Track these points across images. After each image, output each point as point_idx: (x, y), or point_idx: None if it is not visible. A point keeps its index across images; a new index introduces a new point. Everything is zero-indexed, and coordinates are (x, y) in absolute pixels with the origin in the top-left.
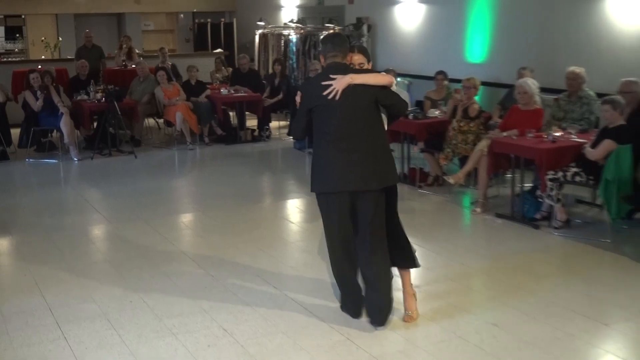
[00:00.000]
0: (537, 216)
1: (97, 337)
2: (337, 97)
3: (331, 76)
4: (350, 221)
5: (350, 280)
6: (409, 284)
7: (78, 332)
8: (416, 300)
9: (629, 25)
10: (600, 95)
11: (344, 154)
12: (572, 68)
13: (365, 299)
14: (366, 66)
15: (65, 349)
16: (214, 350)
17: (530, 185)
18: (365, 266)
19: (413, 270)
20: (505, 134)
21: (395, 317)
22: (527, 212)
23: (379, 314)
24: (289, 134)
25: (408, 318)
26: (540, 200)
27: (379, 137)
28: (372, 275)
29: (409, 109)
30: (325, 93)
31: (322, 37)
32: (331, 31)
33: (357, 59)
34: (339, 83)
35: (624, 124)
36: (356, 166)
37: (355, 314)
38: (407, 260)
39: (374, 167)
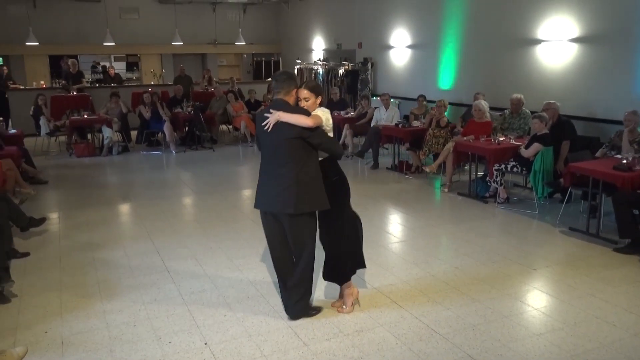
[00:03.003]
0: (486, 195)
1: (189, 270)
2: (269, 129)
3: (271, 110)
4: (276, 235)
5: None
6: (347, 287)
7: (176, 267)
8: (353, 299)
9: (552, 65)
10: (531, 112)
11: (268, 178)
12: (516, 95)
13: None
14: (313, 100)
15: (168, 278)
16: (267, 281)
17: (482, 173)
18: (293, 266)
19: (406, 229)
20: (465, 138)
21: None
22: (479, 192)
23: (286, 309)
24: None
25: (341, 309)
26: (488, 184)
27: (302, 170)
28: (293, 275)
29: (399, 120)
30: (262, 124)
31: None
32: (282, 70)
33: (304, 94)
34: (272, 118)
35: (548, 132)
36: (273, 190)
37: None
38: (336, 277)
39: (288, 194)
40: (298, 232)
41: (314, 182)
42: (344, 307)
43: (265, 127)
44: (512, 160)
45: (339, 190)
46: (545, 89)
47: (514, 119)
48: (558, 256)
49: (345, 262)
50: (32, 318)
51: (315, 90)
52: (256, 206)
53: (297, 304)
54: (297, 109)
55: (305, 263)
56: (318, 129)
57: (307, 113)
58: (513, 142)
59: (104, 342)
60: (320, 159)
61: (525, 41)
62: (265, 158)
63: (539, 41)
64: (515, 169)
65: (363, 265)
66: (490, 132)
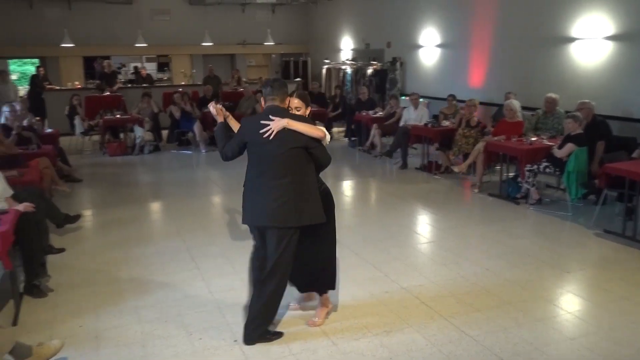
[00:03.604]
0: (518, 196)
1: (218, 268)
2: (272, 136)
3: (271, 117)
4: (264, 250)
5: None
6: (327, 299)
7: (206, 265)
8: (327, 314)
9: (586, 63)
10: (565, 111)
11: (263, 189)
12: (551, 94)
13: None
14: (303, 110)
15: (197, 276)
16: None
17: (513, 174)
18: (258, 284)
19: (435, 230)
20: (496, 138)
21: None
22: (510, 193)
23: (245, 329)
24: (220, 151)
25: (312, 323)
26: (520, 184)
27: (301, 181)
28: (255, 294)
29: (428, 120)
30: (261, 131)
31: (264, 80)
32: (273, 77)
33: (295, 103)
34: (275, 124)
35: (582, 132)
36: (272, 203)
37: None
38: (320, 286)
39: (288, 206)
40: (286, 247)
41: (313, 194)
42: (315, 319)
43: (266, 135)
44: (544, 160)
45: (328, 200)
46: (579, 88)
47: (547, 119)
48: (592, 259)
49: (328, 270)
50: (67, 312)
51: (305, 99)
52: (248, 222)
53: (258, 329)
54: (301, 117)
55: (276, 285)
56: (319, 142)
57: (312, 122)
58: (545, 142)
59: (136, 337)
60: None
61: (559, 39)
62: (258, 168)
63: (572, 39)
64: (548, 170)
65: (332, 287)
66: (521, 132)
